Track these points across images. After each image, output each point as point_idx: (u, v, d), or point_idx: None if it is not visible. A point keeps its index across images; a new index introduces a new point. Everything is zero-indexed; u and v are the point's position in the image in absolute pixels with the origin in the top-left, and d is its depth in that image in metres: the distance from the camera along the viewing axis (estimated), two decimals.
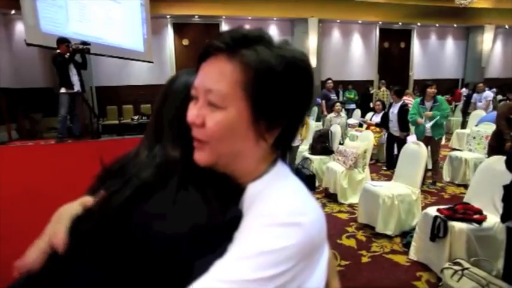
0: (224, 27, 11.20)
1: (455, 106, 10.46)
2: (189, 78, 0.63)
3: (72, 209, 0.56)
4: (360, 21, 11.89)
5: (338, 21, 11.70)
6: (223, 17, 10.75)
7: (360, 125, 6.99)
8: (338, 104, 6.22)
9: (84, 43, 4.74)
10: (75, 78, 4.75)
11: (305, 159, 4.86)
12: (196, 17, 10.44)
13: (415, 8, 10.94)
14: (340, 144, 4.93)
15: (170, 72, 10.82)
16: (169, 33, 10.66)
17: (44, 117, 7.88)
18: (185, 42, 10.98)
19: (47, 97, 7.34)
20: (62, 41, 4.64)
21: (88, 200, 0.58)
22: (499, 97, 10.54)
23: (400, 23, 12.21)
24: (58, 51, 4.63)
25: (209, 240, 0.47)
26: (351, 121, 7.38)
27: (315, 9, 10.54)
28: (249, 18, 11.03)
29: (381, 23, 12.10)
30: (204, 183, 0.53)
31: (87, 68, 5.03)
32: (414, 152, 3.33)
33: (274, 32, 11.69)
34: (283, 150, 0.56)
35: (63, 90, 4.69)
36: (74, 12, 5.78)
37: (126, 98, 10.17)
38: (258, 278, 0.41)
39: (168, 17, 10.27)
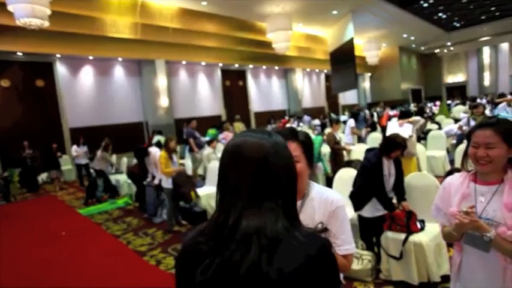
0: (59, 67, 9.86)
1: None
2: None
3: None
4: (203, 63, 13.01)
5: (184, 62, 12.40)
6: (58, 55, 9.51)
7: None
8: (214, 141, 6.63)
9: None
10: None
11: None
12: (19, 53, 8.80)
13: (247, 53, 12.99)
14: None
15: None
16: None
17: None
18: (5, 83, 8.99)
19: None
20: None
21: None
22: (315, 121, 13.80)
23: (237, 65, 14.14)
24: None
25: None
26: (219, 155, 7.93)
27: (161, 51, 10.79)
28: (90, 58, 10.19)
29: (221, 64, 13.64)
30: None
31: None
32: None
33: (120, 72, 11.20)
34: None
35: None
36: None
37: None
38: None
39: None
